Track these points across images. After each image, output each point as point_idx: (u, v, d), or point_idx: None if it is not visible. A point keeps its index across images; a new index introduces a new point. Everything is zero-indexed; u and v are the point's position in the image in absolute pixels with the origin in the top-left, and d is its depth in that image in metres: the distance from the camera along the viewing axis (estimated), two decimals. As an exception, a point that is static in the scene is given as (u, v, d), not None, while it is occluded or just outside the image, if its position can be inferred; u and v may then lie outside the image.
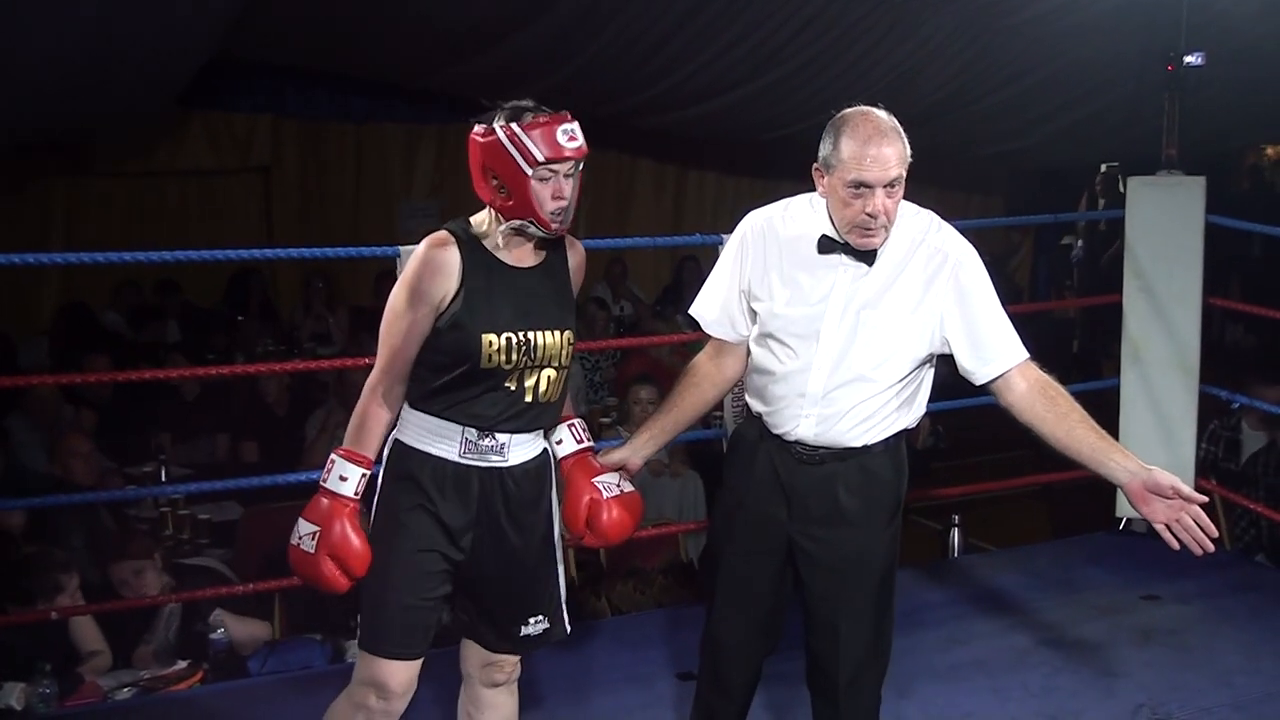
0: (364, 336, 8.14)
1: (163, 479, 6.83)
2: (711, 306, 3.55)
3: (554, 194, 3.14)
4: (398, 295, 3.20)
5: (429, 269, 3.17)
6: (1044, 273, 13.56)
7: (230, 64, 8.98)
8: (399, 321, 3.19)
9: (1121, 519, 6.32)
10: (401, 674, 3.28)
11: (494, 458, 3.25)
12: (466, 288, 3.16)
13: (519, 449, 3.29)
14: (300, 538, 3.20)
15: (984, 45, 8.63)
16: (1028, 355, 3.35)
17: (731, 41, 8.20)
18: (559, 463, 3.49)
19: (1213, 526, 3.13)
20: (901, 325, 3.31)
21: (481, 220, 3.28)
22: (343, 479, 3.17)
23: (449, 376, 3.18)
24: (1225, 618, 5.41)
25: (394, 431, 3.30)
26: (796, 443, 3.40)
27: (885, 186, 3.18)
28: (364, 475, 3.20)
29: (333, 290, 10.11)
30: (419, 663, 3.33)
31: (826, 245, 3.32)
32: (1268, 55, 8.45)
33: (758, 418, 3.50)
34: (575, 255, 3.43)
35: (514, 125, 3.12)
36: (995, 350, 3.32)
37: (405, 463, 3.26)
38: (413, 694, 3.36)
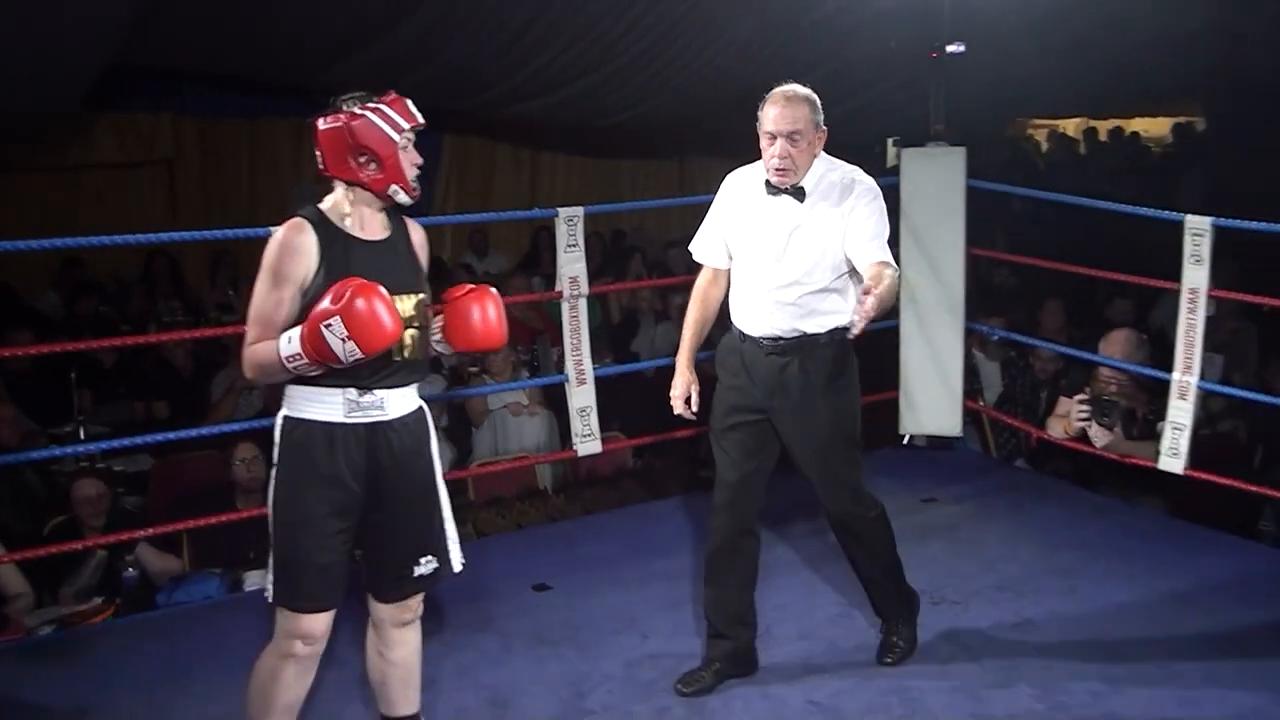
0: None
1: (81, 437, 6.59)
2: (705, 244, 4.07)
3: (412, 161, 3.13)
4: (261, 280, 3.06)
5: (287, 252, 3.04)
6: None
7: (132, 68, 8.65)
8: (265, 304, 3.05)
9: (904, 435, 6.36)
10: (322, 623, 3.19)
11: (375, 412, 3.14)
12: (326, 264, 3.05)
13: (396, 403, 3.17)
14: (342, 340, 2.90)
15: (782, 42, 8.60)
16: (886, 259, 3.70)
17: (567, 43, 8.14)
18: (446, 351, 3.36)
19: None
20: (820, 241, 3.79)
21: (331, 203, 3.15)
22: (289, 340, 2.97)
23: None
24: (990, 514, 5.47)
25: (281, 410, 3.16)
26: (762, 338, 3.87)
27: (784, 137, 3.71)
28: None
29: (236, 267, 9.82)
30: (333, 612, 3.22)
31: (772, 189, 3.83)
32: (1019, 44, 8.54)
33: (737, 327, 3.97)
34: (417, 233, 3.34)
35: (376, 104, 3.09)
36: (857, 250, 3.73)
37: (296, 433, 3.11)
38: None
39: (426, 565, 3.31)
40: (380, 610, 3.35)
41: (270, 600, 3.17)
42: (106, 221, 8.95)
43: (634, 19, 8.06)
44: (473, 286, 3.31)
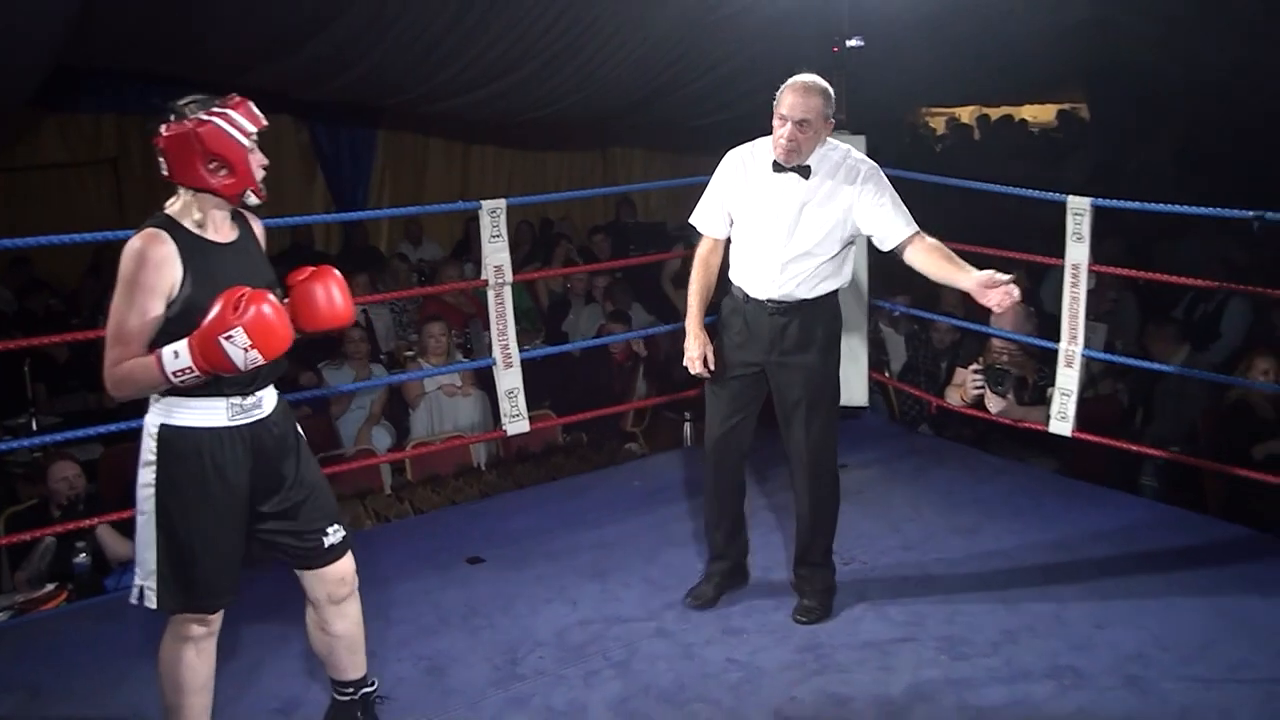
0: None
1: (34, 428, 6.43)
2: (707, 216, 4.17)
3: (259, 163, 2.97)
4: (121, 296, 2.85)
5: (150, 265, 2.84)
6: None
7: (75, 71, 8.43)
8: (128, 320, 2.85)
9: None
10: (217, 613, 3.12)
11: (256, 412, 3.03)
12: (191, 272, 2.87)
13: (268, 398, 3.09)
14: (244, 350, 2.78)
15: (693, 40, 8.56)
16: (916, 229, 4.01)
17: (491, 41, 8.02)
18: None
19: (1015, 288, 3.72)
20: (829, 216, 3.96)
21: (180, 208, 2.97)
22: (175, 354, 2.81)
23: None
24: (895, 478, 5.48)
25: (153, 421, 2.98)
26: (767, 300, 4.03)
27: (795, 123, 3.85)
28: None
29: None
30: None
31: (778, 167, 3.97)
32: (915, 38, 8.56)
33: (739, 289, 4.12)
34: (258, 226, 3.18)
35: (221, 109, 2.91)
36: (891, 229, 3.97)
37: (177, 444, 2.94)
38: None
39: (335, 534, 3.21)
40: (315, 590, 3.25)
41: (154, 607, 3.01)
42: (54, 220, 8.78)
43: (552, 20, 7.99)
44: (313, 269, 3.14)
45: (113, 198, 10.50)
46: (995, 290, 3.70)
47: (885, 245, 4.01)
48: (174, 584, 2.99)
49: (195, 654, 3.12)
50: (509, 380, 5.31)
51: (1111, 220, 5.53)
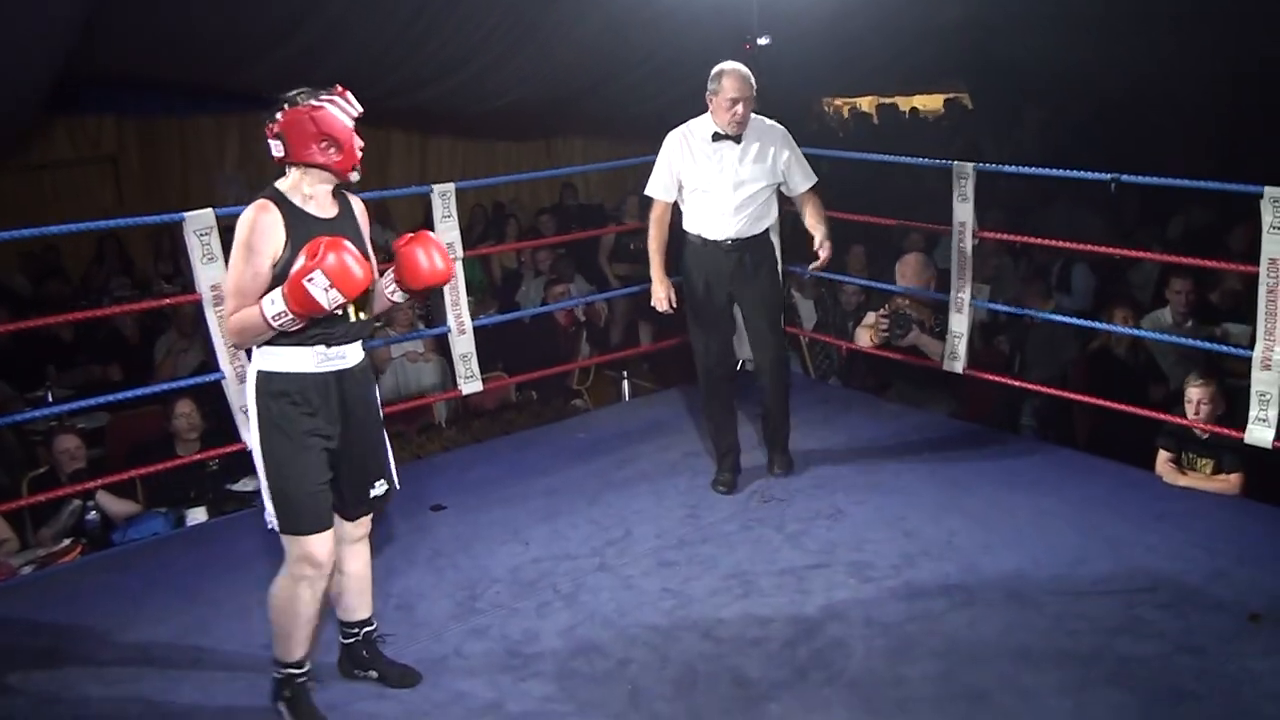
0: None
1: (50, 400, 6.28)
2: (660, 186, 4.61)
3: (359, 144, 3.00)
4: (237, 255, 2.90)
5: (258, 229, 2.89)
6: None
7: (79, 76, 8.18)
8: (242, 277, 2.89)
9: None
10: (323, 544, 3.06)
11: (339, 362, 3.04)
12: (292, 240, 2.90)
13: (352, 353, 3.08)
14: (325, 289, 2.80)
15: (623, 38, 8.48)
16: (815, 181, 4.66)
17: (442, 42, 7.94)
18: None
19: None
20: (760, 165, 4.53)
21: (289, 185, 2.99)
22: (272, 301, 2.85)
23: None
24: (808, 424, 5.44)
25: (253, 366, 3.01)
26: (722, 240, 4.54)
27: (744, 100, 4.41)
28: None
29: (175, 243, 9.38)
30: (332, 532, 3.10)
31: (718, 137, 4.50)
32: (818, 35, 8.52)
33: (697, 236, 4.59)
34: (359, 206, 3.18)
35: (329, 97, 2.95)
36: (801, 178, 4.62)
37: (272, 385, 2.98)
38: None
39: (380, 488, 3.24)
40: (338, 529, 3.21)
41: (275, 529, 3.05)
42: (61, 213, 8.58)
43: (495, 23, 7.94)
44: (413, 234, 3.17)
45: (114, 191, 10.29)
46: (822, 250, 4.52)
47: (795, 191, 4.64)
48: (283, 509, 3.03)
49: (309, 594, 3.10)
50: (463, 345, 5.22)
51: (991, 193, 5.52)
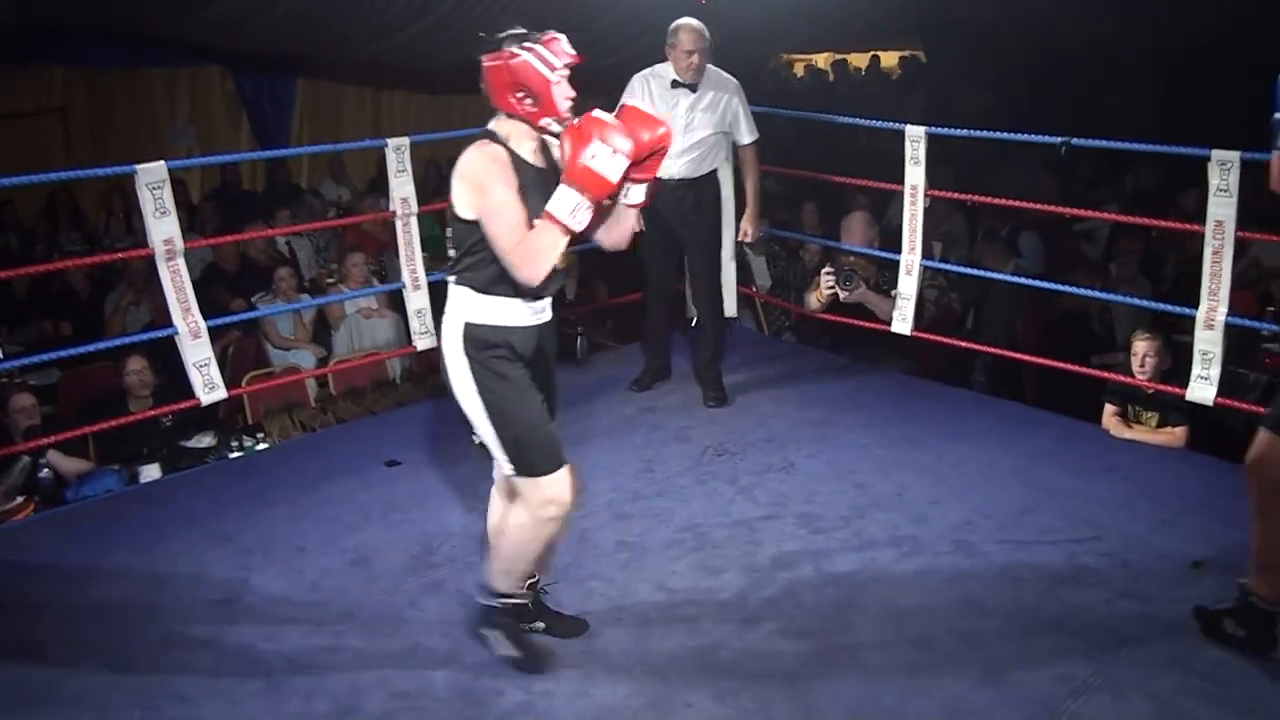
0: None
1: (0, 356, 6.19)
2: None
3: (565, 94, 2.87)
4: (490, 198, 2.83)
5: (498, 164, 2.86)
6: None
7: (24, 27, 7.97)
8: (507, 209, 2.83)
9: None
10: (564, 482, 3.02)
11: (543, 316, 3.05)
12: (520, 184, 2.88)
13: (548, 309, 3.08)
14: (611, 154, 2.75)
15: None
16: (757, 137, 5.16)
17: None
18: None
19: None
20: (710, 114, 4.98)
21: (498, 128, 2.94)
22: (559, 201, 2.79)
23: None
24: (762, 380, 5.51)
25: (461, 318, 2.97)
26: (669, 179, 4.88)
27: (698, 52, 4.85)
28: None
29: (127, 197, 9.23)
30: (569, 467, 3.05)
31: (675, 84, 4.95)
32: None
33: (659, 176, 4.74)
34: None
35: (532, 45, 2.84)
36: (745, 130, 5.11)
37: (484, 337, 2.95)
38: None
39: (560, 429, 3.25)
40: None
41: (514, 474, 3.01)
42: (12, 164, 8.43)
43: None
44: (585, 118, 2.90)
45: (62, 144, 10.01)
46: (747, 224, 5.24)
47: (739, 141, 5.11)
48: (521, 455, 2.99)
49: (550, 529, 3.08)
50: (417, 301, 5.22)
51: (943, 151, 5.57)
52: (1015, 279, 5.78)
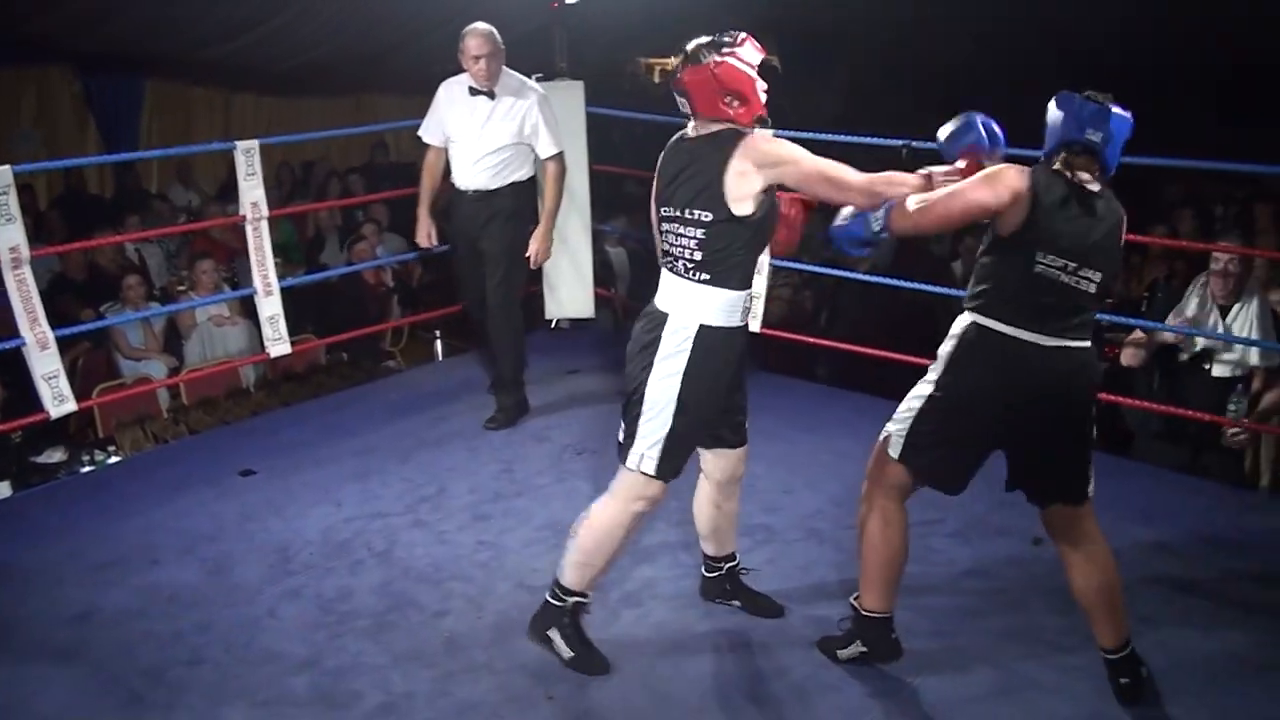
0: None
1: None
2: (429, 130, 4.95)
3: (762, 88, 2.94)
4: (798, 151, 2.94)
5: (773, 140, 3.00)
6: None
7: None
8: (820, 161, 2.94)
9: (551, 320, 6.38)
10: (665, 488, 3.11)
11: (747, 316, 3.10)
12: None
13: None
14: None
15: (427, -1, 8.38)
16: (560, 151, 4.92)
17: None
18: None
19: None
20: (508, 123, 4.80)
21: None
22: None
23: (763, 234, 3.00)
24: (620, 380, 5.50)
25: (692, 318, 2.97)
26: (467, 190, 4.85)
27: (485, 57, 4.69)
28: None
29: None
30: None
31: (473, 91, 4.79)
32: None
33: (453, 182, 4.90)
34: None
35: (730, 49, 2.91)
36: (547, 142, 4.87)
37: (708, 341, 2.96)
38: None
39: (744, 421, 3.32)
40: (723, 470, 3.32)
41: (651, 473, 3.03)
42: None
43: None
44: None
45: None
46: (534, 244, 4.97)
47: (539, 153, 4.89)
48: (670, 452, 3.02)
49: (636, 524, 3.15)
50: (270, 307, 5.15)
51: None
52: (862, 277, 5.98)
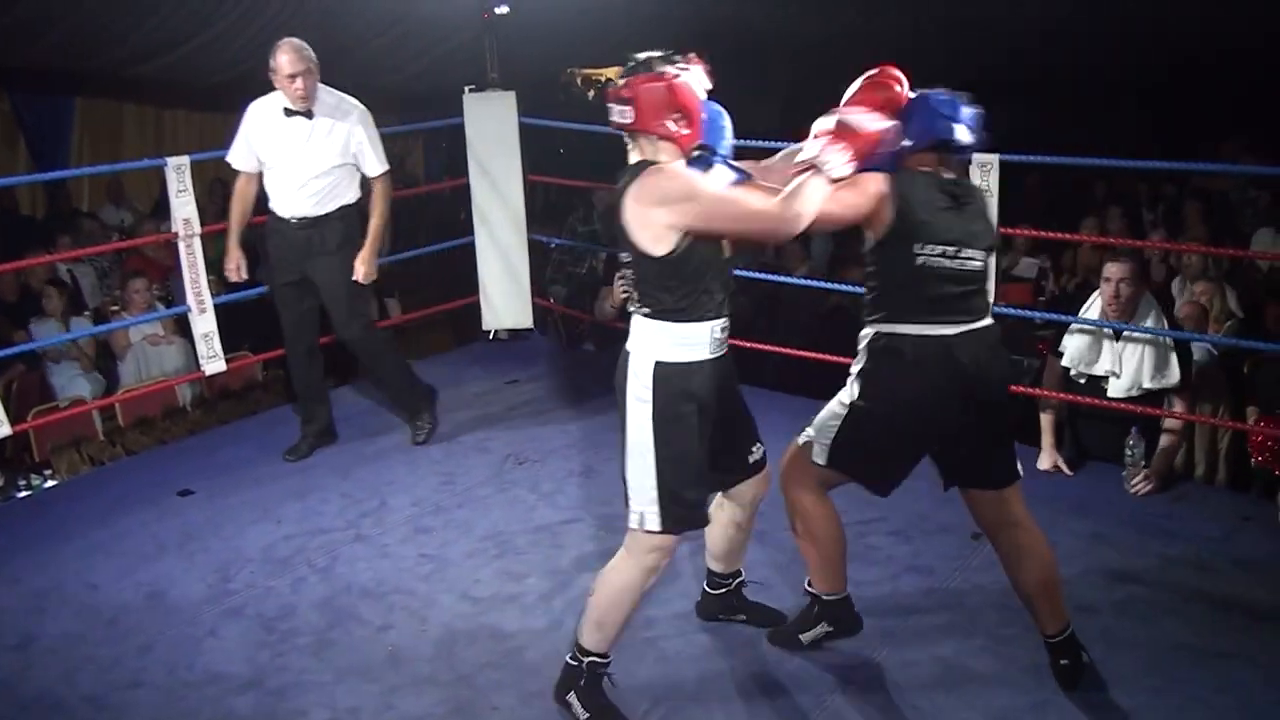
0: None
1: None
2: (240, 156, 4.57)
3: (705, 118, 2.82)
4: (708, 200, 2.68)
5: (683, 172, 2.75)
6: (435, 164, 13.48)
7: None
8: (722, 194, 2.74)
9: (489, 331, 6.36)
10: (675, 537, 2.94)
11: (722, 348, 2.91)
12: None
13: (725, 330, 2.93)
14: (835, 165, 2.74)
15: (360, 8, 8.28)
16: (387, 169, 4.64)
17: (173, 8, 7.49)
18: None
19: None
20: (330, 143, 4.47)
21: (648, 154, 2.78)
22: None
23: (693, 269, 2.75)
24: (561, 389, 5.63)
25: (647, 355, 2.82)
26: (291, 218, 4.54)
27: (301, 75, 4.34)
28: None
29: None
30: None
31: (289, 112, 4.42)
32: (560, 4, 8.59)
33: (272, 210, 4.59)
34: None
35: (686, 67, 2.79)
36: (373, 161, 4.59)
37: (669, 377, 2.80)
38: None
39: (758, 452, 3.16)
40: (744, 495, 3.20)
41: (657, 530, 2.86)
42: None
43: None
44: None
45: None
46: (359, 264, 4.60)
47: (365, 172, 4.61)
48: (674, 506, 2.86)
49: (651, 580, 2.99)
50: (204, 324, 5.09)
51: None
52: (797, 280, 6.05)
